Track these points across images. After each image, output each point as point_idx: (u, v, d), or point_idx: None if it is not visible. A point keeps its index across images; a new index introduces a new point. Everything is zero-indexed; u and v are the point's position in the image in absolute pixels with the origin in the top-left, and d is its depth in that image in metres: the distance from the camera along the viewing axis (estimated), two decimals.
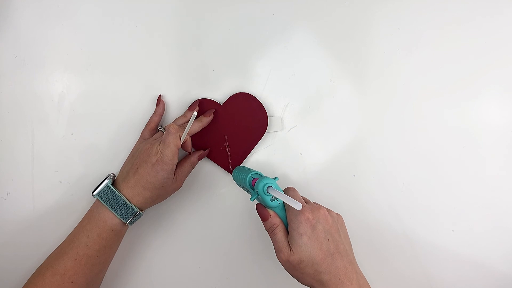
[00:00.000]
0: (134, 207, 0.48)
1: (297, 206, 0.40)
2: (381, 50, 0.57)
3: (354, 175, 0.58)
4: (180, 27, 0.57)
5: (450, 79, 0.58)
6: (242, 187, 0.50)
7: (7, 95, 0.56)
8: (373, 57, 0.58)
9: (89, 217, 0.49)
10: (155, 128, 0.54)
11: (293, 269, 0.44)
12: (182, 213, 0.57)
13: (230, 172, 0.56)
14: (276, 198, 0.45)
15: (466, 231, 0.57)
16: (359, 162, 0.58)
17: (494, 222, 0.57)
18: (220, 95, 0.57)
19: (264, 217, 0.46)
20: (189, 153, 0.53)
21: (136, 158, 0.49)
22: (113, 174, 0.52)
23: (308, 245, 0.43)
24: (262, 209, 0.46)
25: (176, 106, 0.57)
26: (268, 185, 0.44)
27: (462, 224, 0.57)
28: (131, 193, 0.48)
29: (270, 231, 0.46)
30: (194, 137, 0.55)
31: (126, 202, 0.48)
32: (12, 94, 0.56)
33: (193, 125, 0.51)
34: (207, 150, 0.55)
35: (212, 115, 0.54)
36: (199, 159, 0.54)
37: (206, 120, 0.53)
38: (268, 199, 0.44)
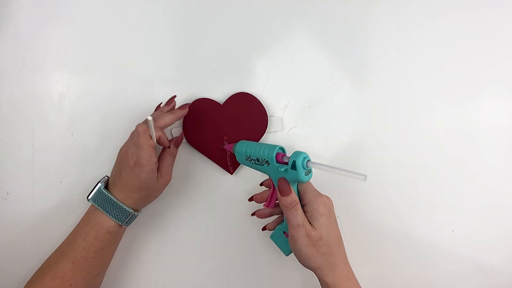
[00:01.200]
0: (127, 208, 0.48)
1: (363, 177, 0.41)
2: (381, 50, 0.57)
3: None
4: (180, 27, 0.57)
5: (450, 79, 0.58)
6: (251, 162, 0.49)
7: (7, 95, 0.55)
8: (373, 57, 0.58)
9: (86, 220, 0.49)
10: None
11: (311, 245, 0.45)
12: (182, 213, 0.57)
13: (230, 171, 0.56)
14: (310, 173, 0.45)
15: (466, 231, 0.57)
16: (359, 162, 0.58)
17: (494, 222, 0.57)
18: (220, 95, 0.57)
19: (287, 192, 0.45)
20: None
21: (119, 162, 0.50)
22: (107, 176, 0.52)
23: (327, 225, 0.45)
24: (285, 184, 0.45)
25: (176, 106, 0.56)
26: (307, 159, 0.44)
27: (462, 224, 0.57)
28: (122, 196, 0.48)
29: (291, 206, 0.45)
30: (194, 136, 0.55)
31: (119, 204, 0.48)
32: (12, 94, 0.56)
33: (166, 118, 0.50)
34: (181, 134, 0.54)
35: (187, 108, 0.53)
36: (177, 146, 0.52)
37: (180, 113, 0.52)
38: (303, 173, 0.44)
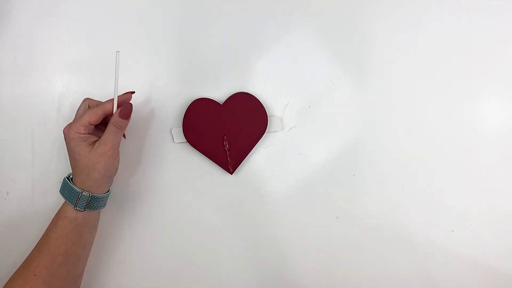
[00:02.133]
0: (74, 187, 0.47)
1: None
2: (381, 50, 0.57)
3: (354, 175, 0.58)
4: (180, 27, 0.57)
5: (450, 79, 0.58)
6: None
7: (7, 95, 0.56)
8: (373, 57, 0.58)
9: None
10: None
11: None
12: (181, 213, 0.57)
13: (230, 172, 0.56)
14: None
15: (466, 231, 0.57)
16: (359, 162, 0.58)
17: (494, 222, 0.57)
18: (220, 95, 0.57)
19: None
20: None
21: None
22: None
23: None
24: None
25: (176, 106, 0.57)
26: None
27: (462, 224, 0.57)
28: (73, 179, 0.49)
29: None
30: (194, 136, 0.55)
31: (69, 184, 0.48)
32: (12, 94, 0.56)
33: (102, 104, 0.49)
34: (129, 105, 0.49)
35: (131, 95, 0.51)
36: (122, 116, 0.48)
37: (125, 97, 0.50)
38: None
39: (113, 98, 0.49)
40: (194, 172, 0.57)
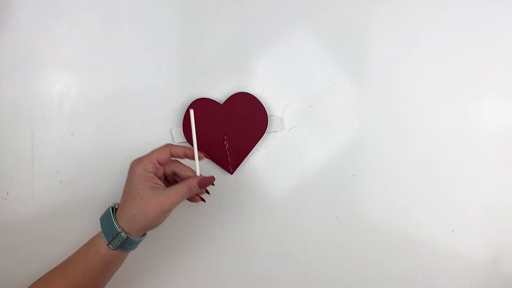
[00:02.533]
0: (116, 224, 0.45)
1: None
2: (381, 50, 0.57)
3: (354, 175, 0.58)
4: (180, 27, 0.57)
5: (450, 79, 0.58)
6: None
7: (7, 95, 0.56)
8: (373, 57, 0.58)
9: (89, 240, 0.48)
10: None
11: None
12: (181, 213, 0.57)
13: (230, 172, 0.56)
14: None
15: (466, 231, 0.57)
16: (359, 162, 0.58)
17: (494, 222, 0.57)
18: (220, 95, 0.57)
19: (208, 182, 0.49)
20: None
21: None
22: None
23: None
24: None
25: (176, 106, 0.57)
26: None
27: (462, 224, 0.57)
28: (119, 213, 0.46)
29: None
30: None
31: (112, 218, 0.46)
32: (12, 94, 0.56)
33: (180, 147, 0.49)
34: (212, 177, 0.49)
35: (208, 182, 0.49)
36: (200, 186, 0.48)
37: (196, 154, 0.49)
38: None
39: (186, 146, 0.49)
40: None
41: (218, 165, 0.56)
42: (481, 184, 0.57)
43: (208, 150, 0.56)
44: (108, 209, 0.48)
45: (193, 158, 0.49)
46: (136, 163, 0.47)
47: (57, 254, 0.56)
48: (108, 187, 0.56)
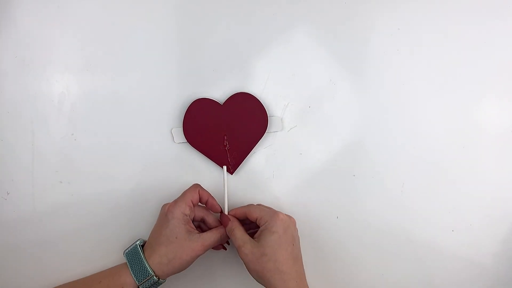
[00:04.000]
0: (148, 267, 0.46)
1: None
2: (381, 50, 0.57)
3: (354, 175, 0.58)
4: (180, 27, 0.57)
5: (450, 79, 0.58)
6: None
7: (7, 95, 0.56)
8: (373, 57, 0.58)
9: (113, 270, 0.48)
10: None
11: (255, 261, 0.46)
12: None
13: (230, 172, 0.56)
14: None
15: (466, 231, 0.57)
16: (359, 162, 0.58)
17: (494, 222, 0.57)
18: (220, 95, 0.57)
19: (225, 223, 0.51)
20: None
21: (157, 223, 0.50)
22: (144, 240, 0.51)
23: (276, 243, 0.46)
24: (224, 216, 0.52)
25: (176, 106, 0.57)
26: None
27: (462, 224, 0.57)
28: (149, 252, 0.47)
29: (229, 233, 0.50)
30: (194, 136, 0.55)
31: (143, 261, 0.46)
32: (12, 94, 0.56)
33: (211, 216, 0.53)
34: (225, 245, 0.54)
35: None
36: (221, 242, 0.52)
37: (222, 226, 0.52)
38: None
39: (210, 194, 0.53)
40: (194, 172, 0.57)
41: (218, 165, 0.57)
42: (481, 184, 0.57)
43: (208, 150, 0.56)
44: (136, 246, 0.48)
45: (212, 209, 0.53)
46: (173, 206, 0.49)
47: (57, 254, 0.56)
48: (108, 187, 0.56)
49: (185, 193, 0.50)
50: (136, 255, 0.47)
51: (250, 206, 0.52)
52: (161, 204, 0.54)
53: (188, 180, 0.57)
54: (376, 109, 0.58)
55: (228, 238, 0.51)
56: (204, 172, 0.57)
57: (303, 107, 0.58)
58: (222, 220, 0.52)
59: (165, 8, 0.57)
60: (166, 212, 0.48)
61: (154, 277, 0.46)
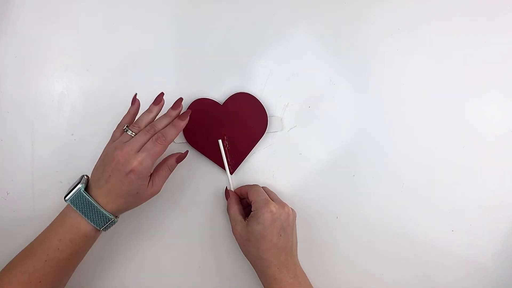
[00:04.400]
0: (108, 214, 0.46)
1: None
2: (381, 50, 0.57)
3: (354, 175, 0.58)
4: (180, 27, 0.57)
5: (450, 79, 0.58)
6: None
7: (7, 95, 0.56)
8: (373, 57, 0.58)
9: (62, 220, 0.48)
10: None
11: (242, 243, 0.51)
12: (181, 213, 0.57)
13: (230, 172, 0.56)
14: None
15: (466, 231, 0.57)
16: (359, 162, 0.58)
17: (493, 222, 0.57)
18: (220, 95, 0.57)
19: (226, 197, 0.55)
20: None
21: (106, 165, 0.46)
22: (86, 176, 0.49)
23: (260, 233, 0.48)
24: (227, 191, 0.55)
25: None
26: None
27: (462, 224, 0.57)
28: (105, 200, 0.46)
29: (227, 208, 0.54)
30: (194, 136, 0.55)
31: (99, 209, 0.46)
32: (12, 94, 0.56)
33: (162, 122, 0.49)
34: (186, 152, 0.52)
35: (181, 106, 0.50)
36: (178, 162, 0.51)
37: (182, 124, 0.49)
38: None
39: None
40: (194, 172, 0.57)
41: (218, 165, 0.57)
42: (481, 184, 0.57)
43: (208, 150, 0.56)
44: (91, 203, 0.46)
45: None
46: (140, 166, 0.47)
47: None
48: None
49: (148, 148, 0.46)
50: (87, 204, 0.46)
51: (252, 187, 0.53)
52: (160, 205, 0.54)
53: (188, 180, 0.57)
54: (376, 109, 0.58)
55: (177, 159, 0.51)
56: (204, 172, 0.57)
57: (303, 107, 0.58)
58: (225, 194, 0.55)
59: (165, 8, 0.57)
60: (128, 171, 0.45)
61: (115, 219, 0.47)
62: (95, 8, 0.56)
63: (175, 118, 0.49)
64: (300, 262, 0.52)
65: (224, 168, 0.56)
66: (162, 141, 0.47)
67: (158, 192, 0.49)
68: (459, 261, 0.57)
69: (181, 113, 0.50)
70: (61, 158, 0.56)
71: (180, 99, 0.51)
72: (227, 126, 0.56)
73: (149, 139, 0.47)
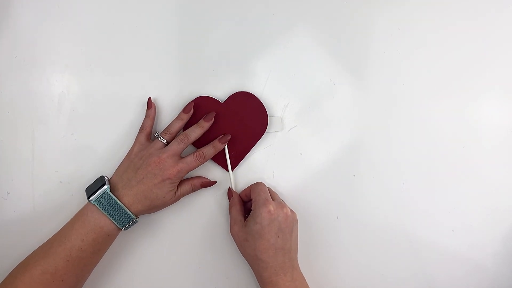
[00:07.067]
0: (132, 214, 0.49)
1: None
2: (381, 50, 0.57)
3: (354, 175, 0.58)
4: (180, 26, 0.57)
5: (450, 79, 0.58)
6: None
7: (7, 95, 0.56)
8: (373, 57, 0.58)
9: (83, 220, 0.48)
10: (150, 132, 0.55)
11: (240, 243, 0.51)
12: (181, 212, 0.57)
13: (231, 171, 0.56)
14: None
15: (466, 231, 0.57)
16: (359, 162, 0.58)
17: (494, 222, 0.57)
18: (220, 94, 0.57)
19: (229, 196, 0.56)
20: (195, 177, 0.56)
21: (140, 168, 0.50)
22: (106, 177, 0.52)
23: (258, 233, 0.48)
24: (229, 191, 0.56)
25: (176, 106, 0.57)
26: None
27: (462, 224, 0.57)
28: (131, 200, 0.49)
29: (229, 208, 0.54)
30: None
31: (125, 209, 0.49)
32: (12, 94, 0.56)
33: (195, 131, 0.53)
34: (214, 182, 0.55)
35: (213, 119, 0.54)
36: (202, 186, 0.55)
37: (206, 125, 0.53)
38: None
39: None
40: (194, 171, 0.57)
41: (218, 164, 0.56)
42: (481, 184, 0.57)
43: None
44: (115, 201, 0.48)
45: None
46: (175, 176, 0.51)
47: None
48: None
49: (187, 162, 0.51)
50: (112, 204, 0.48)
51: (255, 185, 0.54)
52: None
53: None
54: (376, 109, 0.58)
55: (202, 183, 0.54)
56: (204, 172, 0.57)
57: (303, 107, 0.58)
58: (228, 193, 0.56)
59: (166, 7, 0.57)
60: (165, 177, 0.49)
61: (137, 219, 0.50)
62: (95, 8, 0.56)
63: (206, 128, 0.54)
64: (300, 262, 0.52)
65: (224, 167, 0.57)
66: (202, 159, 0.52)
67: (174, 202, 0.53)
68: (459, 261, 0.57)
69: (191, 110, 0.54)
70: (61, 158, 0.56)
71: (191, 103, 0.55)
72: (227, 125, 0.56)
73: (184, 148, 0.52)
